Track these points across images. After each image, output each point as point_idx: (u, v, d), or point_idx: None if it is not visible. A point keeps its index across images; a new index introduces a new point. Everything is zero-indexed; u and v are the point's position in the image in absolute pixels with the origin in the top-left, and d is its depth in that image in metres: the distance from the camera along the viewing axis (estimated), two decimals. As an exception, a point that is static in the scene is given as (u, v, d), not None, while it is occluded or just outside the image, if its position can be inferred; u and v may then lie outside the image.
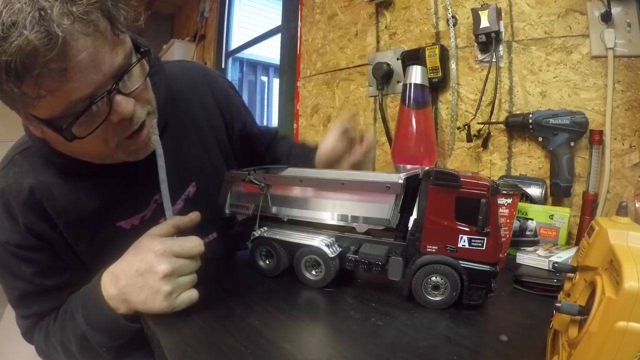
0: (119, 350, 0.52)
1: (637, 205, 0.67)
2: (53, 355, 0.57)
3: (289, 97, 1.63)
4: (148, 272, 0.46)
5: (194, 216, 0.55)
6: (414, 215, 0.52)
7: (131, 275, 0.47)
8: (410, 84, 0.90)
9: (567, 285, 0.39)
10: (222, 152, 0.71)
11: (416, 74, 0.90)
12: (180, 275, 0.47)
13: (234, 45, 2.50)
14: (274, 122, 1.89)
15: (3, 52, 0.35)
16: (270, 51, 2.42)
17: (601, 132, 0.78)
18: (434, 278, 0.48)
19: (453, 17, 0.98)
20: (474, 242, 0.47)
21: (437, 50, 0.97)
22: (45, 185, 0.53)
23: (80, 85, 0.40)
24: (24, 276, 0.54)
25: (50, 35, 0.36)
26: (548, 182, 0.84)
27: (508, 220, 0.64)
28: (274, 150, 0.81)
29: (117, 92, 0.43)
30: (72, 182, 0.54)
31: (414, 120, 0.90)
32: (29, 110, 0.41)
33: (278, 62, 1.79)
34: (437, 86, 1.02)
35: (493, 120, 0.92)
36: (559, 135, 0.80)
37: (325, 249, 0.53)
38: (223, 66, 2.49)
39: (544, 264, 0.64)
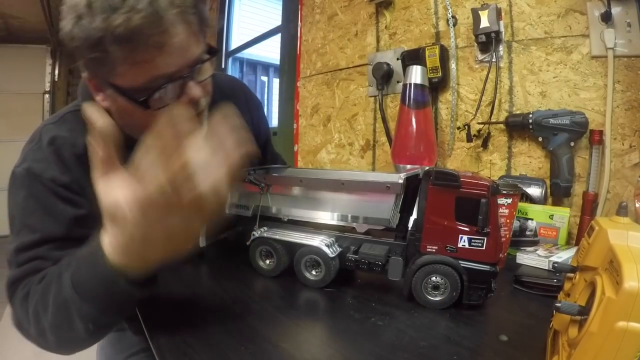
0: (104, 332, 0.44)
1: (637, 205, 0.67)
2: (23, 324, 0.45)
3: (289, 97, 1.63)
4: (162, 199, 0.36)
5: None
6: (414, 215, 0.52)
7: (144, 213, 0.35)
8: (410, 84, 0.90)
9: (567, 285, 0.39)
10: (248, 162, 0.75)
11: (416, 74, 0.90)
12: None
13: (234, 45, 2.50)
14: (274, 122, 1.89)
15: (115, 18, 0.41)
16: (270, 51, 2.42)
17: (601, 132, 0.78)
18: (434, 278, 0.48)
19: (453, 17, 0.98)
20: (474, 242, 0.47)
21: (437, 50, 0.97)
22: None
23: (167, 63, 0.46)
24: (59, 216, 0.51)
25: (159, 16, 0.43)
26: (548, 182, 0.84)
27: (508, 220, 0.64)
28: None
29: (191, 77, 0.50)
30: (123, 154, 0.50)
31: (414, 120, 0.90)
32: (111, 77, 0.47)
33: (278, 62, 1.79)
34: (437, 86, 1.02)
35: (493, 120, 0.92)
36: (559, 135, 0.80)
37: (325, 249, 0.53)
38: (223, 66, 2.49)
39: (544, 264, 0.64)
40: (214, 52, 0.54)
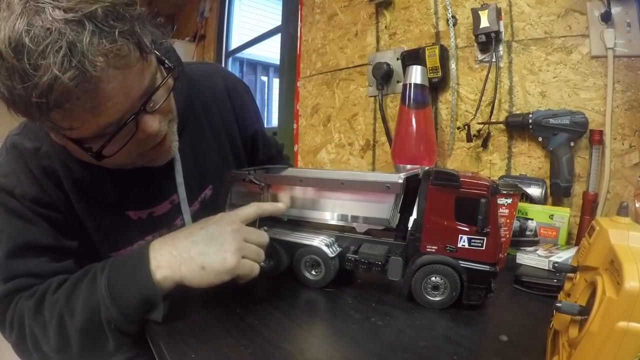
0: (121, 348, 0.47)
1: (637, 205, 0.67)
2: (35, 337, 0.45)
3: (289, 97, 1.63)
4: (215, 227, 0.47)
5: (281, 205, 0.55)
6: (414, 215, 0.52)
7: (193, 233, 0.47)
8: (410, 84, 0.90)
9: (567, 285, 0.39)
10: (236, 157, 0.72)
11: (416, 74, 0.90)
12: (247, 240, 0.48)
13: (234, 45, 2.50)
14: (274, 122, 1.89)
15: (33, 86, 0.35)
16: (270, 51, 2.42)
17: (601, 132, 0.78)
18: (433, 278, 0.48)
19: (453, 17, 0.98)
20: (474, 242, 0.47)
21: (437, 50, 0.97)
22: (62, 156, 0.52)
23: (110, 113, 0.41)
24: (41, 227, 0.50)
25: (85, 75, 0.36)
26: (548, 182, 0.84)
27: (508, 220, 0.64)
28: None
29: (144, 111, 0.44)
30: (86, 164, 0.51)
31: (414, 120, 0.90)
32: (55, 129, 0.41)
33: (278, 62, 1.79)
34: (437, 86, 1.02)
35: (493, 120, 0.92)
36: (559, 135, 0.80)
37: (325, 249, 0.53)
38: (223, 66, 2.49)
39: (544, 264, 0.64)
40: (169, 68, 0.47)
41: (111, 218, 0.56)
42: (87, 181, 0.53)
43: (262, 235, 0.51)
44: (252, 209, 0.52)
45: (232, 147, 0.72)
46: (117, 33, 0.37)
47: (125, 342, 0.46)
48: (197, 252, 0.45)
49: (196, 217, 0.59)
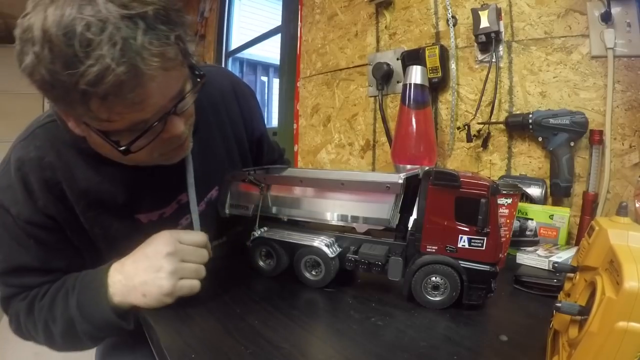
0: (101, 341, 0.54)
1: (637, 205, 0.67)
2: (29, 331, 0.54)
3: (289, 97, 1.63)
4: (153, 252, 0.49)
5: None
6: (414, 215, 0.52)
7: (137, 259, 0.49)
8: (410, 84, 0.90)
9: (567, 285, 0.39)
10: (242, 158, 0.73)
11: (416, 74, 0.90)
12: (184, 260, 0.49)
13: (234, 45, 2.49)
14: (274, 122, 1.89)
15: (81, 74, 0.35)
16: (270, 51, 2.42)
17: (601, 132, 0.78)
18: (433, 278, 0.48)
19: (453, 17, 0.98)
20: (474, 242, 0.47)
21: (437, 50, 0.97)
22: (68, 166, 0.52)
23: (147, 110, 0.42)
24: (30, 250, 0.52)
25: (136, 71, 0.37)
26: (548, 182, 0.84)
27: (508, 220, 0.64)
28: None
29: (173, 112, 0.46)
30: (95, 166, 0.53)
31: (414, 120, 0.90)
32: (85, 119, 0.42)
33: (278, 62, 1.79)
34: (437, 86, 1.02)
35: (493, 120, 0.92)
36: (559, 135, 0.80)
37: (325, 249, 0.53)
38: (223, 66, 2.49)
39: (544, 264, 0.64)
40: (200, 77, 0.49)
41: (120, 223, 0.57)
42: (94, 182, 0.54)
43: (200, 254, 0.51)
44: (197, 237, 0.53)
45: (239, 149, 0.72)
46: (167, 36, 0.39)
47: (102, 341, 0.54)
48: (139, 281, 0.47)
49: (202, 216, 0.60)
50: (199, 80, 0.49)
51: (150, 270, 0.47)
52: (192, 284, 0.49)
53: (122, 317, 0.49)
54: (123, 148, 0.44)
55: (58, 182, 0.52)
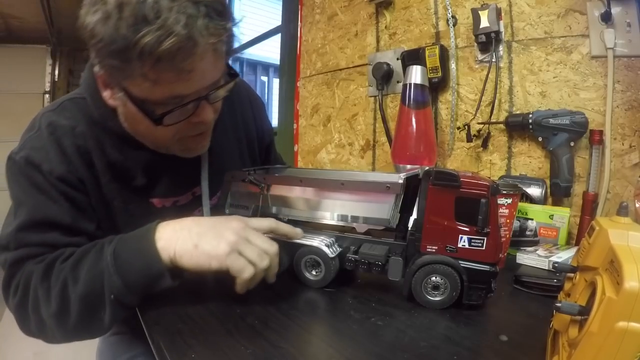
0: (117, 319, 0.47)
1: (637, 205, 0.67)
2: (37, 301, 0.46)
3: (289, 97, 1.63)
4: (219, 221, 0.48)
5: (298, 231, 0.54)
6: (414, 215, 0.52)
7: (201, 220, 0.48)
8: (410, 84, 0.90)
9: (567, 285, 0.39)
10: (252, 162, 0.77)
11: (416, 74, 0.90)
12: (249, 241, 0.47)
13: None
14: (274, 122, 1.89)
15: (147, 32, 0.39)
16: (270, 51, 2.42)
17: (601, 132, 0.78)
18: (433, 278, 0.48)
19: (453, 17, 0.98)
20: (474, 242, 0.47)
21: (437, 50, 0.97)
22: (97, 138, 0.55)
23: (188, 86, 0.46)
24: (61, 205, 0.51)
25: (196, 43, 0.42)
26: (548, 182, 0.84)
27: (508, 220, 0.64)
28: None
29: (206, 99, 0.50)
30: (119, 146, 0.55)
31: (414, 120, 0.90)
32: (126, 84, 0.46)
33: (278, 62, 1.79)
34: (437, 86, 1.02)
35: (493, 120, 0.92)
36: (559, 135, 0.80)
37: (325, 249, 0.53)
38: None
39: (544, 264, 0.64)
40: (233, 75, 0.54)
41: (136, 203, 0.59)
42: (119, 164, 0.56)
43: (269, 243, 0.48)
44: (266, 223, 0.51)
45: (250, 152, 0.76)
46: (223, 26, 0.45)
47: (119, 318, 0.46)
48: (196, 232, 0.46)
49: (213, 210, 0.63)
50: (230, 79, 0.53)
51: (214, 230, 0.46)
52: (245, 265, 0.45)
53: (165, 268, 0.45)
54: (156, 118, 0.47)
55: (88, 151, 0.54)
